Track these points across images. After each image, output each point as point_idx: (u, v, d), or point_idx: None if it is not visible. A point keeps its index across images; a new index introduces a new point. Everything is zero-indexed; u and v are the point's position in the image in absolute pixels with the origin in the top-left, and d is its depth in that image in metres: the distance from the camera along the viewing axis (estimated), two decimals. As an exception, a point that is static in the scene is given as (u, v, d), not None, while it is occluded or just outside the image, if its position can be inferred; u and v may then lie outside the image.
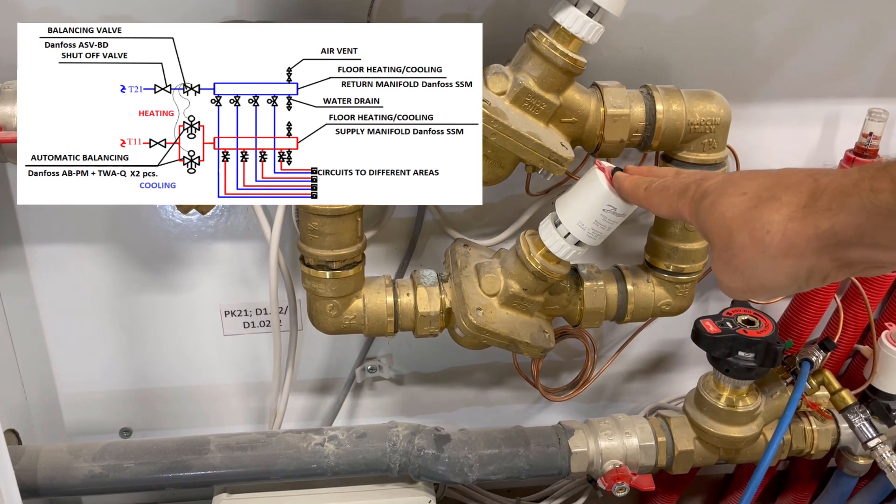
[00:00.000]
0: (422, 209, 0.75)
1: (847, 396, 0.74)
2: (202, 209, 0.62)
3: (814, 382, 0.75)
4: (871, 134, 0.70)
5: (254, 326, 0.79)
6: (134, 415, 0.83)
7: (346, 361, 0.83)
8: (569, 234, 0.64)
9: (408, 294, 0.69)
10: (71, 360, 0.78)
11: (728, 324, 0.73)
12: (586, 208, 0.63)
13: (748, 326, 0.73)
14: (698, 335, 0.73)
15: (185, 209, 0.62)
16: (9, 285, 0.72)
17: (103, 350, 0.78)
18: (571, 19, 0.58)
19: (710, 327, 0.73)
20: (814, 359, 0.71)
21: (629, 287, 0.72)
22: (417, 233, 0.76)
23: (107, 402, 0.81)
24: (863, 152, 0.71)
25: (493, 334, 0.67)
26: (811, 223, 0.38)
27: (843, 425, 0.77)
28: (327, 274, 0.66)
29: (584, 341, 0.82)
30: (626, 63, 0.71)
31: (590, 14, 0.58)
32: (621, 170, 0.63)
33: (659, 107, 0.64)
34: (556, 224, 0.65)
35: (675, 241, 0.70)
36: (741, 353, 0.72)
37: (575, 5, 0.58)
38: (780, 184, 0.41)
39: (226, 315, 0.78)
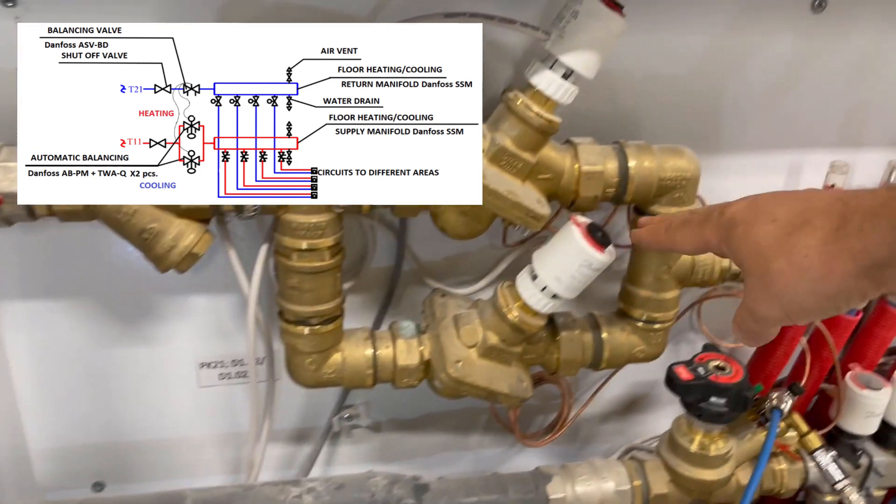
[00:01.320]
0: (400, 257, 0.76)
1: (815, 439, 0.76)
2: (181, 266, 0.62)
3: (783, 425, 0.77)
4: (833, 186, 0.72)
5: (230, 377, 0.78)
6: (107, 468, 0.81)
7: (323, 409, 0.82)
8: (545, 287, 0.65)
9: (387, 347, 0.70)
10: (42, 414, 0.77)
11: (700, 370, 0.75)
12: (563, 263, 0.64)
13: (719, 372, 0.75)
14: (672, 382, 0.74)
15: (164, 268, 0.62)
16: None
17: (75, 403, 0.77)
18: (546, 82, 0.60)
19: (683, 374, 0.75)
20: (784, 406, 0.73)
21: (604, 335, 0.73)
22: (395, 282, 0.76)
23: (79, 456, 0.80)
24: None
25: (472, 386, 0.68)
26: (846, 245, 0.39)
27: (811, 465, 0.79)
28: (306, 329, 0.66)
29: (559, 386, 0.83)
30: (598, 117, 0.73)
31: (564, 76, 0.59)
32: (596, 225, 0.64)
33: (631, 163, 0.65)
34: (534, 277, 0.66)
35: (649, 290, 0.71)
36: (713, 399, 0.74)
37: (550, 68, 0.59)
38: (810, 208, 0.42)
39: (201, 367, 0.77)
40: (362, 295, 0.77)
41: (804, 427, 0.77)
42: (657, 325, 0.73)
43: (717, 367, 0.75)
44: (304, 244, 0.62)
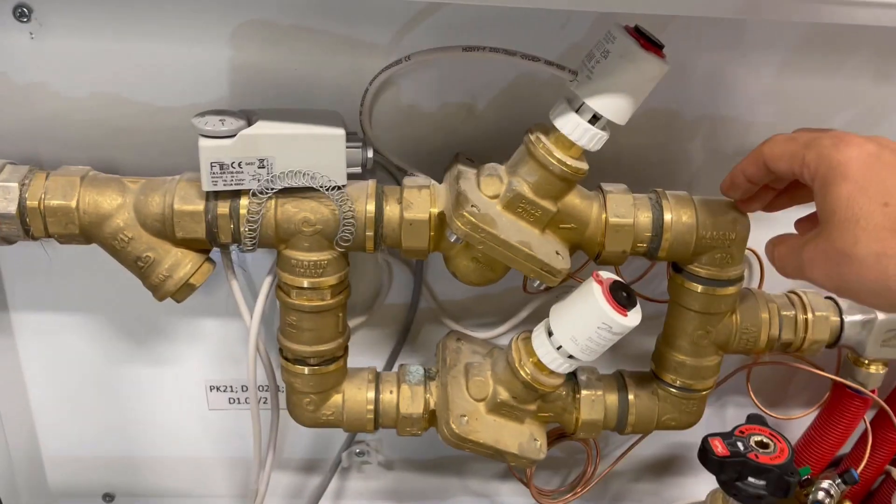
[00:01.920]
0: (416, 295, 0.71)
1: (867, 534, 0.68)
2: (177, 296, 0.60)
3: (833, 514, 0.69)
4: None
5: (239, 402, 0.76)
6: (117, 480, 0.81)
7: (333, 442, 0.79)
8: (560, 346, 0.59)
9: (391, 392, 0.66)
10: (55, 424, 0.77)
11: (739, 444, 0.68)
12: (580, 323, 0.58)
13: (761, 450, 0.67)
14: (705, 455, 0.67)
15: (160, 297, 0.60)
16: (-6, 349, 0.72)
17: (87, 415, 0.77)
18: (571, 126, 0.54)
19: (719, 447, 0.67)
20: (829, 501, 0.64)
21: (630, 397, 0.67)
22: (411, 320, 0.72)
23: (90, 466, 0.80)
24: None
25: (476, 444, 0.63)
26: None
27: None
28: (305, 369, 0.63)
29: (584, 444, 0.77)
30: (640, 158, 0.66)
31: (592, 121, 0.53)
32: (621, 283, 0.58)
33: (667, 216, 0.59)
34: (549, 334, 0.60)
35: (683, 354, 0.64)
36: (751, 480, 0.66)
37: (576, 111, 0.53)
38: None
39: (211, 390, 0.76)
40: (376, 331, 0.73)
41: (857, 519, 0.68)
42: (692, 393, 0.66)
43: (760, 444, 0.68)
44: (304, 282, 0.59)
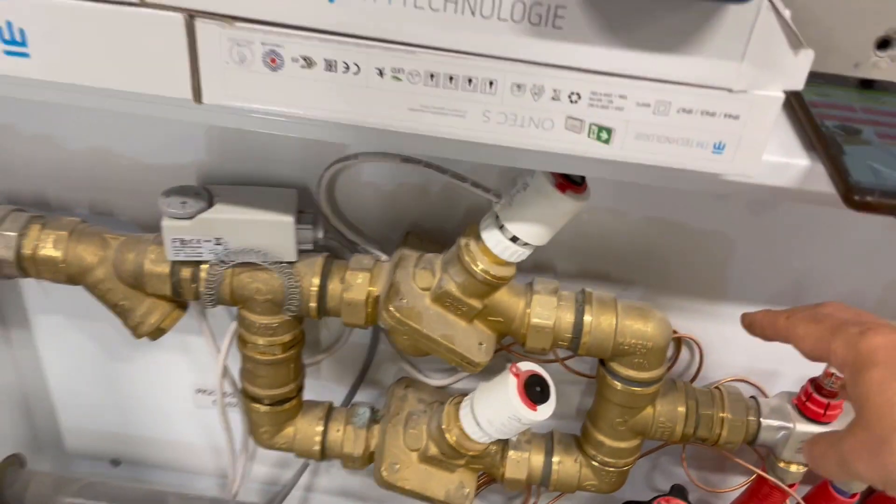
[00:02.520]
0: (375, 338, 0.78)
1: None
2: (151, 337, 0.68)
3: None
4: (833, 374, 0.65)
5: (232, 405, 0.85)
6: (122, 449, 0.93)
7: (304, 447, 0.88)
8: (479, 424, 0.65)
9: (338, 430, 0.73)
10: (70, 401, 0.89)
11: (654, 516, 0.73)
12: (495, 407, 0.64)
13: (673, 524, 0.72)
14: (621, 523, 0.73)
15: (137, 336, 0.68)
16: (17, 341, 0.83)
17: (96, 396, 0.88)
18: (494, 242, 0.57)
19: (633, 517, 0.73)
20: None
21: (555, 460, 0.72)
22: (369, 361, 0.79)
23: (100, 436, 0.92)
24: (820, 390, 0.66)
25: (403, 490, 0.70)
26: None
27: None
28: (261, 407, 0.71)
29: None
30: (591, 248, 0.69)
31: (513, 240, 0.57)
32: (538, 377, 0.63)
33: (587, 318, 0.62)
34: (472, 408, 0.66)
35: (602, 435, 0.69)
36: (660, 550, 0.72)
37: (499, 229, 0.57)
38: None
39: (197, 392, 0.85)
40: (340, 365, 0.80)
41: None
42: (612, 469, 0.71)
43: (674, 518, 0.73)
44: (258, 340, 0.66)
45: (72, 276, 0.65)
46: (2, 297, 0.80)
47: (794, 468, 0.70)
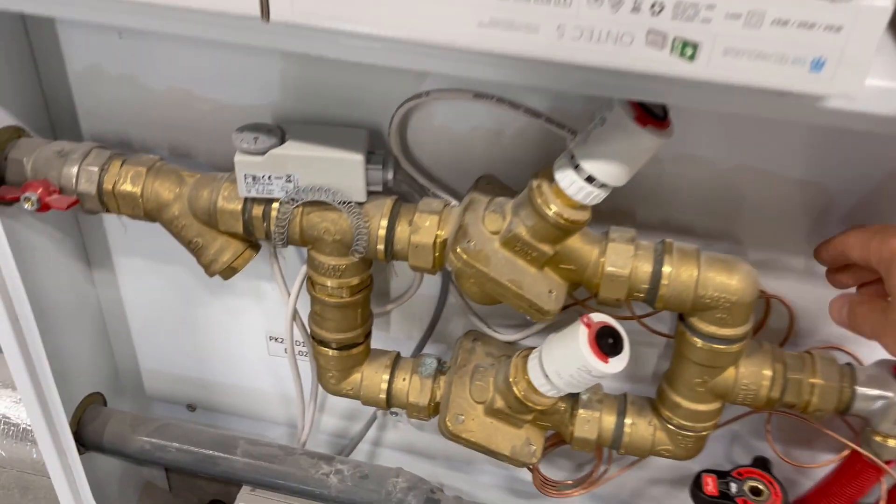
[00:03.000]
0: (444, 291, 0.76)
1: None
2: (223, 276, 0.69)
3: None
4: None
5: (303, 355, 0.86)
6: (198, 394, 0.96)
7: (372, 399, 0.88)
8: (547, 375, 0.63)
9: (404, 379, 0.72)
10: (149, 343, 0.92)
11: (732, 486, 0.69)
12: (564, 361, 0.61)
13: (753, 496, 0.68)
14: (694, 490, 0.69)
15: (209, 274, 0.69)
16: (101, 282, 0.86)
17: (173, 339, 0.90)
18: (567, 182, 0.55)
19: (710, 486, 0.69)
20: None
21: (627, 421, 0.69)
22: (438, 313, 0.77)
23: (177, 381, 0.94)
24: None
25: (468, 442, 0.69)
26: None
27: None
28: (329, 351, 0.71)
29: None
30: (687, 193, 0.65)
31: (589, 179, 0.54)
32: (611, 328, 0.60)
33: (665, 269, 0.59)
34: (540, 360, 0.64)
35: (680, 396, 0.65)
36: (736, 522, 0.68)
37: (573, 169, 0.54)
38: None
39: (270, 340, 0.86)
40: (410, 318, 0.79)
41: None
42: (693, 433, 0.67)
43: (753, 489, 0.69)
44: (327, 281, 0.66)
45: (149, 211, 0.66)
46: (88, 238, 0.83)
47: (892, 442, 0.64)
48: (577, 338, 0.59)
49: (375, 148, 0.63)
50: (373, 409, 0.89)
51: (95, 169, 0.66)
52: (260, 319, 0.85)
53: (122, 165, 0.66)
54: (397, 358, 0.74)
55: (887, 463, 0.67)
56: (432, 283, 0.76)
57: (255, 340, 0.87)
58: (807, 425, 0.75)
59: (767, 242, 0.66)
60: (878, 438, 0.65)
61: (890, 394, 0.61)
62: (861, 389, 0.62)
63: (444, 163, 0.67)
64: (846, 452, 0.71)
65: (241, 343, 0.88)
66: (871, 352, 0.69)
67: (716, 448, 0.79)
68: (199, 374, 0.93)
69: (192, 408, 0.97)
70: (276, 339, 0.86)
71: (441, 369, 0.73)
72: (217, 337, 0.88)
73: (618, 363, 0.60)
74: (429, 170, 0.68)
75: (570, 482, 0.83)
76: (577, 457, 0.86)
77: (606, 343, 0.59)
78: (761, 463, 0.71)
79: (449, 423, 0.69)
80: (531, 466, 0.81)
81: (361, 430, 0.90)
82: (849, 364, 0.64)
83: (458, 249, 0.58)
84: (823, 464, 0.72)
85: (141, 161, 0.67)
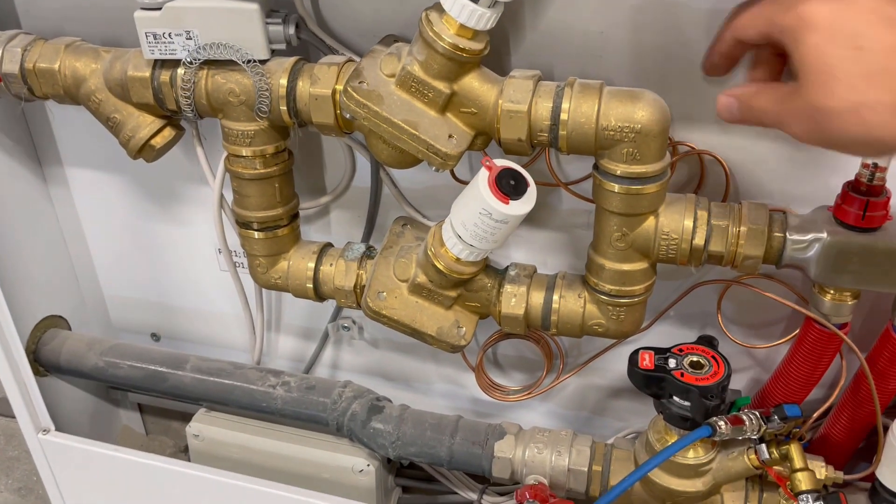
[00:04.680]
0: (376, 180, 0.74)
1: (805, 480, 0.60)
2: (144, 156, 0.69)
3: (775, 454, 0.62)
4: (875, 165, 0.54)
5: (243, 266, 0.85)
6: (161, 322, 0.95)
7: (324, 315, 0.86)
8: (456, 232, 0.60)
9: (330, 264, 0.70)
10: (110, 268, 0.92)
11: (670, 361, 0.64)
12: (467, 208, 0.59)
13: (694, 370, 0.63)
14: (630, 367, 0.64)
15: (130, 155, 0.69)
16: (57, 198, 0.87)
17: (132, 264, 0.91)
18: (450, 3, 0.53)
19: (646, 360, 0.64)
20: (722, 426, 0.58)
21: (555, 297, 0.65)
22: (375, 204, 0.75)
23: (140, 308, 0.95)
24: (857, 187, 0.55)
25: (390, 320, 0.66)
26: None
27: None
28: (255, 234, 0.70)
29: (539, 346, 0.76)
30: (585, 48, 0.62)
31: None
32: (513, 170, 0.57)
33: (565, 105, 0.56)
34: (451, 218, 0.61)
35: (603, 257, 0.61)
36: (676, 399, 0.63)
37: (456, -13, 0.52)
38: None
39: (219, 252, 0.85)
40: (347, 212, 0.78)
41: (799, 462, 0.61)
42: (622, 300, 0.63)
43: (693, 364, 0.63)
44: (241, 151, 0.65)
45: (68, 88, 0.67)
46: (42, 153, 0.84)
47: (832, 298, 0.59)
48: (478, 180, 0.57)
49: (280, 7, 0.63)
50: (325, 325, 0.87)
51: (19, 49, 0.67)
52: (208, 230, 0.84)
53: (43, 44, 0.67)
54: (326, 246, 0.72)
55: (842, 329, 0.61)
56: (366, 174, 0.75)
57: (206, 254, 0.86)
58: (762, 309, 0.70)
59: (689, 93, 0.62)
60: (826, 297, 0.59)
61: (822, 234, 0.56)
62: (793, 235, 0.57)
63: (355, 26, 0.66)
64: (797, 332, 0.65)
65: (193, 259, 0.87)
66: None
67: (664, 332, 0.74)
68: (159, 299, 0.93)
69: (156, 337, 0.97)
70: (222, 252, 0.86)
71: (370, 254, 0.71)
72: (170, 254, 0.88)
73: (520, 206, 0.57)
74: (338, 32, 0.66)
75: (517, 388, 0.79)
76: (533, 368, 0.82)
77: (508, 184, 0.56)
78: (706, 340, 0.65)
79: (370, 300, 0.66)
80: (478, 363, 0.78)
81: (317, 347, 0.88)
82: (781, 210, 0.59)
83: (349, 88, 0.57)
84: (777, 343, 0.67)
85: (61, 40, 0.68)
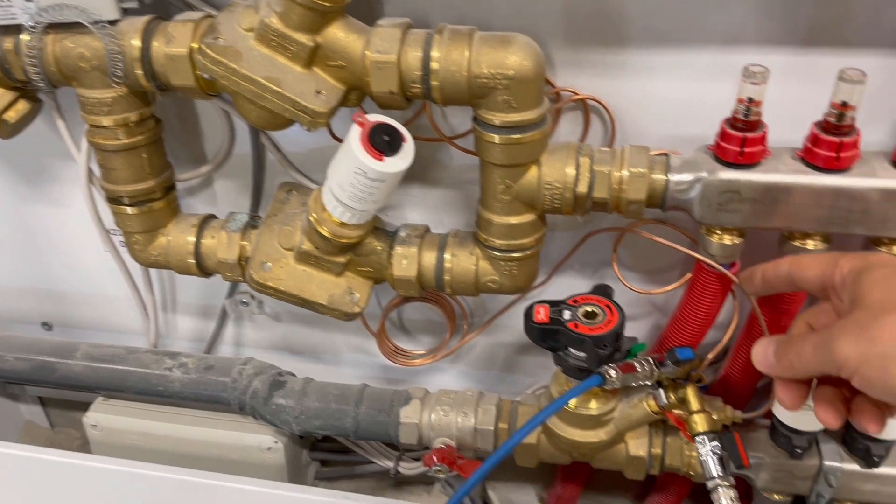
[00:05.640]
0: (257, 145, 0.70)
1: (700, 422, 0.61)
2: (2, 133, 0.64)
3: (673, 398, 0.62)
4: (749, 100, 0.53)
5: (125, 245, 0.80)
6: (51, 310, 0.90)
7: (220, 291, 0.82)
8: (333, 193, 0.57)
9: (213, 237, 0.67)
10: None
11: (565, 313, 0.62)
12: (342, 167, 0.56)
13: (587, 320, 0.62)
14: (526, 321, 0.63)
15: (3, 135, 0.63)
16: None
17: (13, 251, 0.85)
18: (302, -54, 0.49)
19: (540, 314, 0.63)
20: (612, 374, 0.58)
21: (447, 256, 0.63)
22: (259, 171, 0.72)
23: (27, 297, 0.89)
24: (734, 123, 0.54)
25: (277, 291, 0.63)
26: None
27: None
28: (127, 209, 0.65)
29: (441, 308, 0.74)
30: None
31: (322, -60, 0.49)
32: (387, 126, 0.54)
33: (435, 53, 0.53)
34: (328, 180, 0.58)
35: (490, 211, 0.60)
36: (572, 351, 0.62)
37: (304, -70, 0.49)
38: None
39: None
40: (231, 181, 0.74)
41: (695, 404, 0.61)
42: (515, 255, 0.61)
43: (587, 314, 0.62)
44: (101, 121, 0.60)
45: None
46: None
47: (718, 238, 0.59)
48: (349, 137, 0.54)
49: (131, -37, 0.58)
50: (222, 301, 0.83)
51: None
52: (85, 208, 0.79)
53: None
54: (208, 218, 0.68)
55: (731, 269, 0.61)
56: (246, 140, 0.71)
57: (88, 234, 0.81)
58: (658, 254, 0.70)
59: (567, 36, 0.60)
60: (713, 238, 0.59)
61: (703, 174, 0.55)
62: (674, 176, 0.56)
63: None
64: (687, 277, 0.65)
65: (76, 240, 0.82)
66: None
67: (562, 286, 0.73)
68: (46, 286, 0.88)
69: (47, 326, 0.92)
70: (108, 231, 0.81)
71: (254, 224, 0.67)
72: (54, 237, 0.83)
73: (395, 162, 0.54)
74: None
75: (422, 352, 0.77)
76: (440, 331, 0.80)
77: (382, 140, 0.54)
78: (601, 290, 0.64)
79: (254, 272, 0.63)
80: (379, 329, 0.76)
81: (216, 325, 0.85)
82: (664, 153, 0.58)
83: (203, 46, 0.53)
84: (670, 288, 0.66)
85: None
